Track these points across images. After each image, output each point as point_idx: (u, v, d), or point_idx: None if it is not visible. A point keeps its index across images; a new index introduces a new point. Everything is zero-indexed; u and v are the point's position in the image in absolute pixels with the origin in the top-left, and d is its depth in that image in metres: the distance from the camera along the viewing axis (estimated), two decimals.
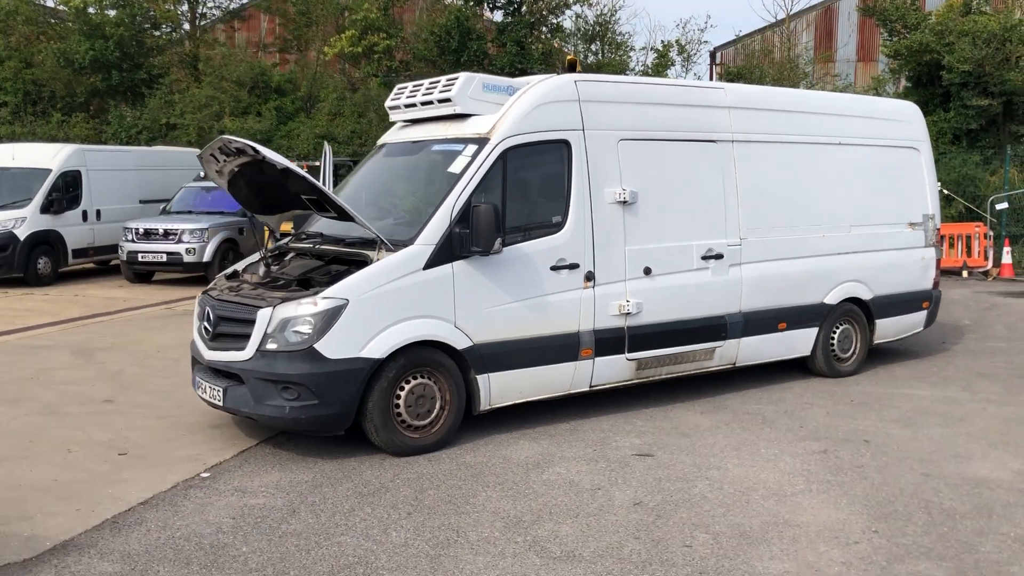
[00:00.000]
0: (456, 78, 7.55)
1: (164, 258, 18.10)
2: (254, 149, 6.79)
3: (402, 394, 6.75)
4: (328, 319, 6.45)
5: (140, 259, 18.19)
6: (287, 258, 7.82)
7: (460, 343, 6.95)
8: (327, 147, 16.73)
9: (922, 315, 10.45)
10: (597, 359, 7.69)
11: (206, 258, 18.22)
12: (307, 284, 7.05)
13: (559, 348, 7.49)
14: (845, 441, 7.24)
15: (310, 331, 6.45)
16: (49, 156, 19.29)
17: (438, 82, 7.79)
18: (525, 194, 7.50)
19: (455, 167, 7.18)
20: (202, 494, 6.02)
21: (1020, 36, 20.58)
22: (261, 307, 6.61)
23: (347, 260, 7.06)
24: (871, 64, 32.19)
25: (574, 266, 7.50)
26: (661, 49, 28.24)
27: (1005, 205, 19.95)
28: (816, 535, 5.32)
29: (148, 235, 18.21)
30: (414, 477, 6.33)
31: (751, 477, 6.34)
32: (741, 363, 8.83)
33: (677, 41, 28.22)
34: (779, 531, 5.37)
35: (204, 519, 5.58)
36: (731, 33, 32.87)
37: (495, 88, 7.55)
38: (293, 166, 6.60)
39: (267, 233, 8.23)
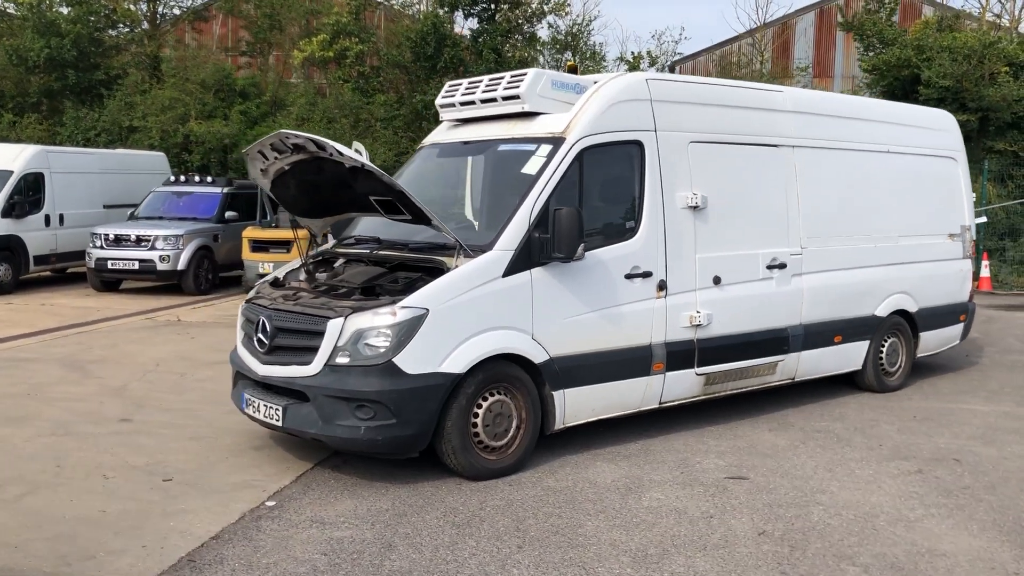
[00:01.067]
0: (524, 74, 7.05)
1: (136, 266, 17.19)
2: (319, 145, 6.20)
3: (480, 412, 6.20)
4: (407, 331, 5.88)
5: (110, 267, 17.23)
6: (337, 265, 7.21)
7: (538, 356, 6.44)
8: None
9: (959, 328, 10.23)
10: (668, 374, 7.24)
11: (180, 266, 17.36)
12: (371, 292, 6.47)
13: (632, 362, 7.02)
14: (934, 460, 6.89)
15: (387, 344, 5.87)
16: (10, 157, 18.20)
17: (500, 79, 7.27)
18: (599, 197, 7.02)
19: (529, 168, 6.67)
20: (277, 526, 5.39)
21: (998, 53, 20.80)
22: (331, 317, 6.01)
23: (416, 267, 6.50)
24: (828, 80, 32.57)
25: (647, 274, 7.04)
26: (632, 61, 28.04)
27: (983, 219, 20.07)
28: (970, 565, 4.92)
29: (119, 241, 17.26)
30: (503, 504, 5.78)
31: (863, 501, 5.93)
32: (800, 378, 8.46)
33: (649, 52, 28.07)
34: (930, 562, 4.96)
35: (291, 555, 4.96)
36: (707, 44, 32.87)
37: (563, 86, 7.06)
38: (368, 163, 6.01)
39: (306, 238, 7.60)
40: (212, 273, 18.20)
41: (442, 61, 24.42)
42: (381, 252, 6.89)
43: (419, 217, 6.24)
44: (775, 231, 8.11)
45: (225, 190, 19.10)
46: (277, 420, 6.20)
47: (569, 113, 6.90)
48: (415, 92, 24.62)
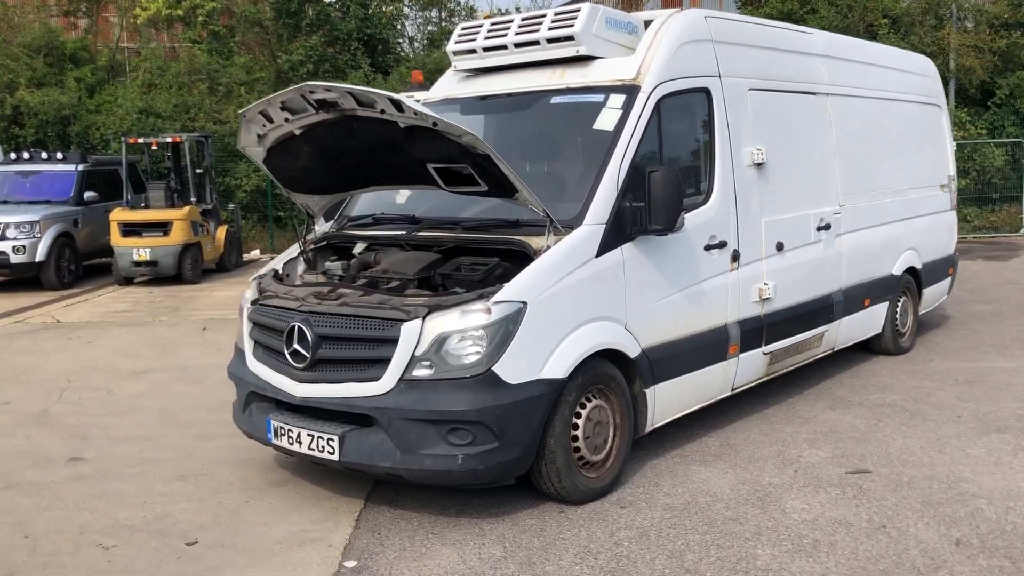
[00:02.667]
0: (575, 10, 5.87)
1: None
2: (362, 100, 4.84)
3: (580, 423, 5.09)
4: (505, 331, 4.68)
5: None
6: (357, 251, 5.86)
7: (632, 349, 5.38)
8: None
9: (948, 282, 9.90)
10: (741, 356, 6.35)
11: (39, 257, 15.10)
12: (431, 284, 5.22)
13: (713, 346, 6.08)
14: None
15: (482, 349, 4.65)
16: None
17: (538, 18, 6.07)
18: (675, 156, 5.98)
19: (604, 123, 5.54)
20: None
21: (877, 5, 21.06)
22: (404, 320, 4.71)
23: (483, 250, 5.27)
24: None
25: (723, 244, 6.09)
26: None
27: None
28: None
29: None
30: (637, 535, 4.73)
31: (1013, 487, 5.26)
32: (837, 347, 7.79)
33: (517, 8, 27.00)
34: None
35: None
36: None
37: (617, 24, 5.96)
38: (444, 119, 4.69)
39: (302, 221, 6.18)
40: (75, 263, 15.93)
41: (307, 19, 22.53)
42: (423, 233, 5.58)
43: (498, 188, 4.99)
44: (820, 188, 7.35)
45: (81, 167, 16.76)
46: (331, 453, 4.86)
47: (634, 57, 5.80)
48: (278, 53, 22.61)
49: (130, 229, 15.40)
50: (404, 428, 4.68)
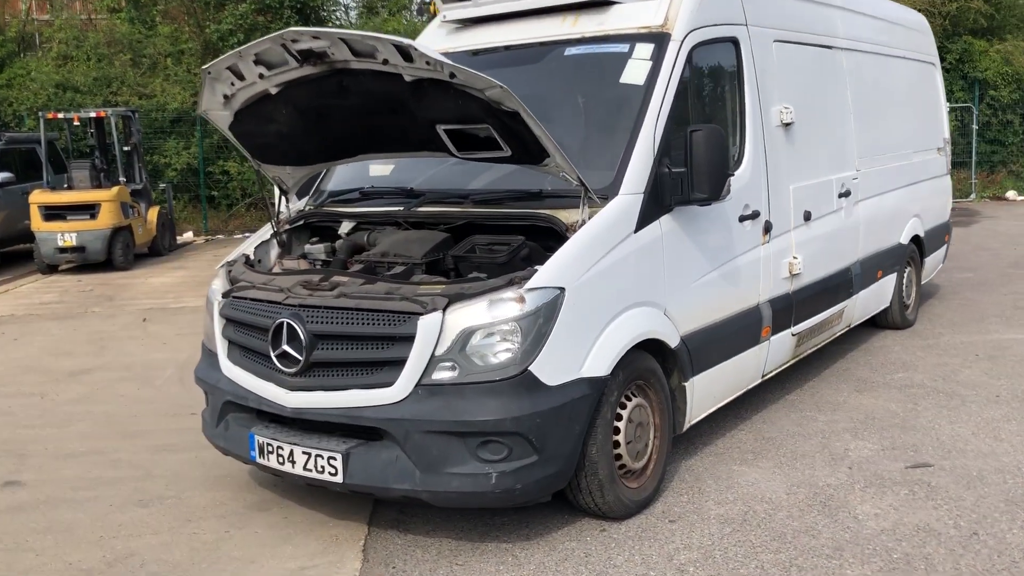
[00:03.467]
0: None
1: None
2: (359, 50, 4.00)
3: (621, 426, 4.37)
4: (542, 323, 3.92)
5: None
6: (344, 232, 5.02)
7: (673, 338, 4.67)
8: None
9: (944, 250, 9.43)
10: (772, 338, 5.70)
11: None
12: (440, 269, 4.43)
13: (747, 329, 5.43)
14: None
15: (516, 345, 3.88)
16: None
17: None
18: (705, 114, 5.26)
19: (632, 76, 4.79)
20: None
21: None
22: (421, 313, 3.91)
23: (501, 226, 4.49)
24: None
25: (756, 215, 5.42)
26: None
27: None
28: None
29: None
30: (700, 557, 4.04)
31: None
32: (853, 324, 7.22)
33: None
34: None
35: None
36: None
37: None
38: (460, 67, 3.86)
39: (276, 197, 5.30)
40: None
41: None
42: (427, 209, 4.77)
43: (523, 153, 4.20)
44: (840, 152, 6.73)
45: None
46: (334, 474, 4.05)
47: (657, 1, 5.05)
48: (205, 22, 21.25)
49: (53, 212, 14.16)
50: (424, 442, 3.89)
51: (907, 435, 5.50)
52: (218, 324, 4.65)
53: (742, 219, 5.27)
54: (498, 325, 3.88)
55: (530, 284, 3.93)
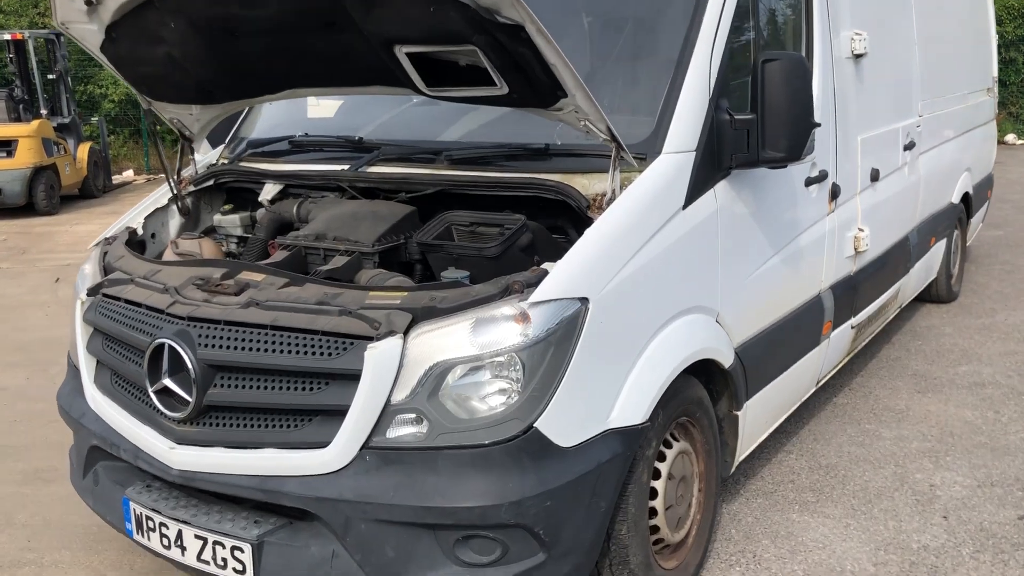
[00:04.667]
0: None
1: None
2: None
3: (659, 486, 3.05)
4: (555, 353, 2.56)
5: None
6: (271, 200, 3.61)
7: (728, 355, 3.35)
8: None
9: (985, 208, 8.17)
10: (832, 335, 4.41)
11: None
12: (399, 263, 3.06)
13: (807, 328, 4.14)
14: None
15: (517, 389, 2.53)
16: None
17: None
18: (765, 39, 3.86)
19: None
20: None
21: None
22: (368, 338, 2.53)
23: (489, 199, 3.10)
24: None
25: (823, 176, 4.08)
26: None
27: None
28: None
29: None
30: None
31: None
32: (903, 304, 5.96)
33: None
34: None
35: None
36: None
37: None
38: None
39: (177, 151, 3.87)
40: None
41: None
42: (381, 169, 3.36)
43: (527, 90, 2.77)
44: (905, 94, 5.39)
45: None
46: (240, 572, 2.70)
47: None
48: None
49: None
50: (374, 535, 2.55)
51: (1003, 462, 4.28)
52: (82, 332, 3.24)
53: (808, 183, 3.93)
54: (489, 358, 2.52)
55: (538, 294, 2.57)
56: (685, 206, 3.05)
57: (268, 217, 3.49)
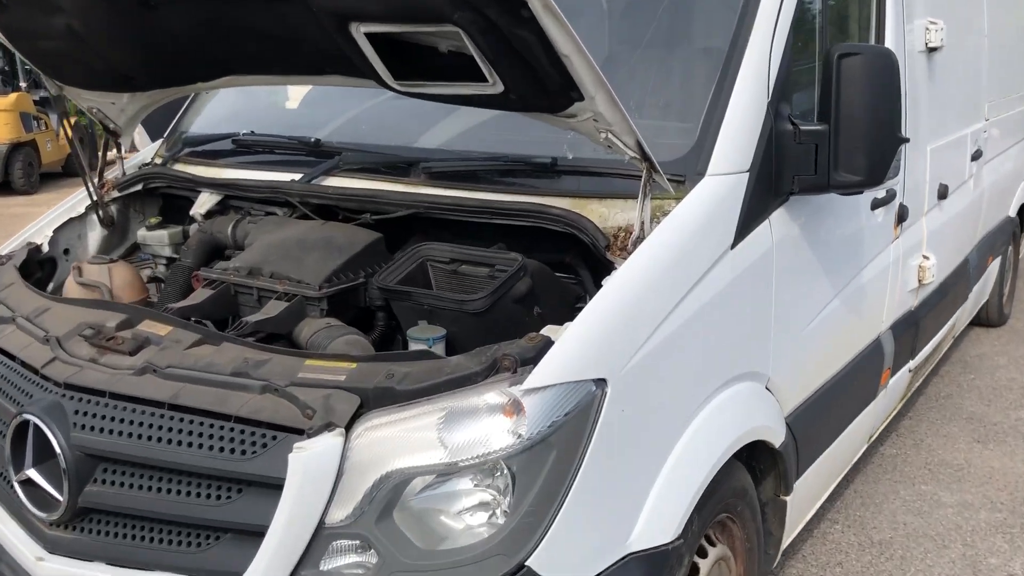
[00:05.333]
0: None
1: None
2: None
3: None
4: (558, 460, 1.83)
5: None
6: (205, 214, 2.87)
7: (779, 431, 2.61)
8: None
9: None
10: (890, 383, 3.68)
11: None
12: (352, 311, 2.32)
13: (865, 380, 3.42)
14: None
15: (503, 511, 1.80)
16: None
17: None
18: (832, 31, 3.10)
19: None
20: None
21: None
22: (299, 433, 1.81)
23: (476, 227, 2.36)
24: None
25: (890, 197, 3.33)
26: None
27: None
28: None
29: None
30: None
31: None
32: (956, 335, 5.23)
33: None
34: None
35: None
36: None
37: None
38: None
39: (99, 145, 3.15)
40: None
41: None
42: (340, 183, 2.62)
43: (532, 88, 2.01)
44: (974, 94, 4.62)
45: None
46: None
47: None
48: None
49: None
50: None
51: None
52: None
53: (874, 205, 3.18)
54: (465, 468, 1.79)
55: (537, 376, 1.83)
56: (735, 244, 2.31)
57: (197, 238, 2.76)
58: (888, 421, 4.11)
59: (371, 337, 2.31)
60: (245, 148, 2.99)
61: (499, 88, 1.99)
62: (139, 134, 3.59)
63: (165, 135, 3.39)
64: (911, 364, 3.94)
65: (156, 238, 2.96)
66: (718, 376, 2.29)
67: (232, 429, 1.89)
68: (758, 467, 2.68)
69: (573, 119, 2.06)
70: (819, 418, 2.94)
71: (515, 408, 1.81)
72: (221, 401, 1.93)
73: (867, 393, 3.43)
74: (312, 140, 2.77)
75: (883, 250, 3.36)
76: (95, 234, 3.14)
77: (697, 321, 2.16)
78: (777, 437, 2.59)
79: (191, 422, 1.93)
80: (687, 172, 2.27)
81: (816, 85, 2.59)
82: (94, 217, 3.12)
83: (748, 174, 2.35)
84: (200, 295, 2.39)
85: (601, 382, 1.90)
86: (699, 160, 2.29)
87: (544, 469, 1.81)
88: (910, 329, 3.79)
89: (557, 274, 2.39)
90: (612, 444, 1.91)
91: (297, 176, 2.70)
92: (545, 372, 1.84)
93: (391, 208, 2.48)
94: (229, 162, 2.96)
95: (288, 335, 2.25)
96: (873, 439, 3.86)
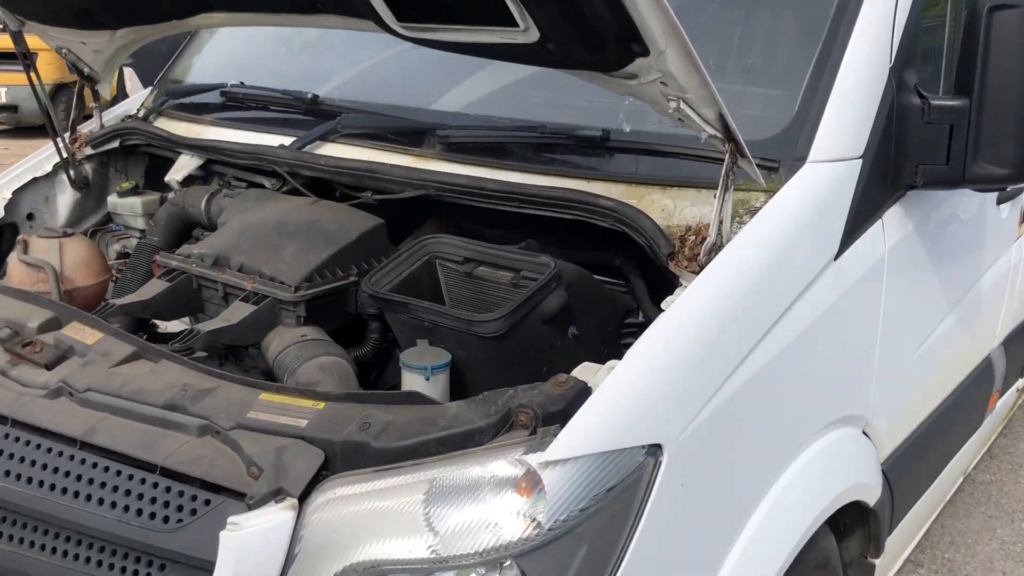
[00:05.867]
0: None
1: None
2: None
3: None
4: (591, 557, 1.31)
5: None
6: (183, 180, 2.39)
7: (874, 487, 2.06)
8: None
9: None
10: (996, 406, 3.10)
11: None
12: (336, 320, 1.82)
13: (972, 407, 2.85)
14: None
15: None
16: None
17: None
18: None
19: None
20: None
21: None
22: (242, 495, 1.34)
23: (498, 215, 1.84)
24: None
25: (1018, 190, 2.71)
26: None
27: None
28: None
29: None
30: None
31: None
32: None
33: None
34: None
35: None
36: None
37: None
38: None
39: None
40: None
41: None
42: (340, 149, 2.11)
43: (574, 37, 1.48)
44: None
45: None
46: None
47: None
48: None
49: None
50: None
51: None
52: None
53: (1001, 199, 2.58)
54: (460, 565, 1.29)
55: (564, 443, 1.31)
56: (839, 254, 1.76)
57: (167, 212, 2.27)
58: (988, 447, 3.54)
59: (360, 352, 1.81)
60: (235, 103, 2.49)
61: (533, 35, 1.45)
62: (131, 79, 3.13)
63: (156, 82, 2.91)
64: (1020, 383, 3.35)
65: (128, 206, 2.49)
66: (809, 426, 1.76)
67: (156, 485, 1.41)
68: (842, 522, 2.15)
69: (633, 81, 1.51)
70: (919, 461, 2.40)
71: (532, 484, 1.30)
72: (146, 444, 1.45)
73: (972, 422, 2.86)
74: (309, 96, 2.25)
75: (1005, 253, 2.77)
76: (66, 197, 2.68)
77: (787, 358, 1.62)
78: (873, 494, 2.05)
79: (106, 469, 1.46)
80: (782, 157, 1.72)
81: (951, 47, 2.00)
82: (64, 178, 2.66)
83: (861, 161, 1.79)
84: (152, 288, 1.91)
85: (655, 449, 1.37)
86: (799, 141, 1.73)
87: (570, 571, 1.30)
88: (1021, 342, 3.19)
89: (600, 278, 1.87)
90: (665, 533, 1.40)
91: (289, 140, 2.19)
92: (577, 435, 1.32)
93: (397, 187, 1.96)
94: (214, 119, 2.46)
95: (252, 349, 1.77)
96: (969, 471, 3.29)
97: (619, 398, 1.37)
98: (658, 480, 1.38)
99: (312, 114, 2.26)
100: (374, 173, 1.98)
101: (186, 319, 2.07)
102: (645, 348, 1.42)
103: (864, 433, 2.03)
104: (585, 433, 1.33)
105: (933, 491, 2.64)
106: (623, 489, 1.34)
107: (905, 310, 2.07)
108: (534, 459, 1.30)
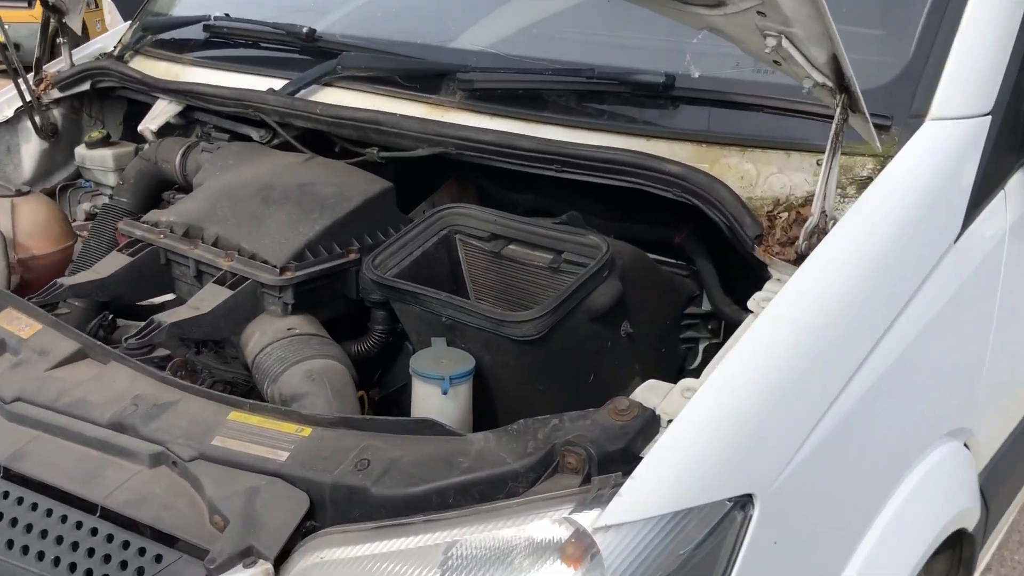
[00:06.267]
0: None
1: None
2: None
3: None
4: None
5: None
6: (158, 128, 2.03)
7: (974, 508, 1.72)
8: None
9: None
10: None
11: None
12: (331, 308, 1.47)
13: None
14: None
15: None
16: None
17: None
18: None
19: None
20: None
21: None
22: (204, 552, 1.02)
23: (531, 178, 1.49)
24: None
25: None
26: None
27: None
28: None
29: None
30: None
31: None
32: None
33: None
34: None
35: None
36: None
37: None
38: None
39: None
40: None
41: None
42: (343, 95, 1.75)
43: None
44: None
45: None
46: None
47: None
48: None
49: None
50: None
51: None
52: None
53: None
54: None
55: (630, 502, 0.97)
56: (959, 234, 1.40)
57: (137, 167, 1.92)
58: None
59: (362, 347, 1.48)
60: (220, 39, 2.12)
61: None
62: (110, 12, 2.75)
63: (135, 15, 2.54)
64: None
65: (97, 159, 2.14)
66: (915, 449, 1.42)
67: (95, 532, 1.09)
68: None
69: (718, 10, 1.14)
70: (1012, 470, 2.06)
71: (584, 550, 0.97)
72: (85, 476, 1.13)
73: None
74: (305, 31, 1.88)
75: None
76: (31, 147, 2.34)
77: (897, 372, 1.28)
78: (973, 517, 1.72)
79: (33, 507, 1.14)
80: (895, 114, 1.35)
81: None
82: (28, 124, 2.31)
83: (990, 118, 1.43)
84: (111, 263, 1.57)
85: (745, 500, 1.04)
86: (916, 94, 1.37)
87: None
88: None
89: (655, 257, 1.52)
90: None
91: (280, 83, 1.83)
92: (647, 487, 0.99)
93: (408, 143, 1.60)
94: (195, 58, 2.10)
95: (225, 346, 1.44)
96: None
97: (702, 435, 1.03)
98: (747, 540, 1.05)
99: (308, 52, 1.90)
100: (380, 125, 1.62)
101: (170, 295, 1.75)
102: (735, 366, 1.08)
103: (966, 446, 1.70)
104: (657, 486, 0.99)
105: (1019, 499, 2.32)
106: (707, 553, 1.01)
107: (1018, 299, 1.72)
108: (587, 519, 0.97)
